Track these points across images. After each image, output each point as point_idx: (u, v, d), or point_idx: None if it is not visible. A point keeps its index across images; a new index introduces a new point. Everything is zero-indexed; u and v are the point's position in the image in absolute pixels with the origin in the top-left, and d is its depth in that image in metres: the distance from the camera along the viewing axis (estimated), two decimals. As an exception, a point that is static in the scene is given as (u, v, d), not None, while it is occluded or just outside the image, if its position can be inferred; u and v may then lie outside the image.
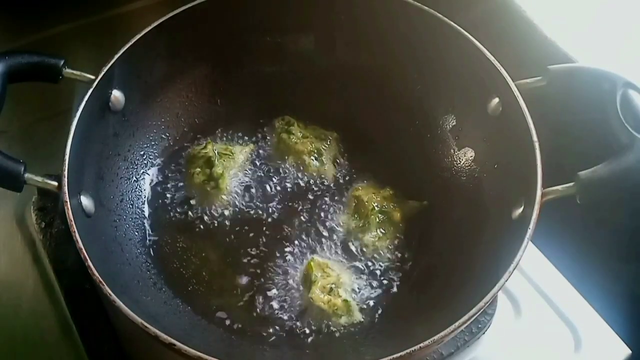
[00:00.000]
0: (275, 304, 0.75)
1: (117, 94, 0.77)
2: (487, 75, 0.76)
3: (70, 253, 0.67)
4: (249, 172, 0.86)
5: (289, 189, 0.85)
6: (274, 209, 0.83)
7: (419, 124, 0.87)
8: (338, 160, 0.87)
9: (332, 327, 0.74)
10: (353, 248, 0.80)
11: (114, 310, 0.61)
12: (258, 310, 0.75)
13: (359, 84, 0.89)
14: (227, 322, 0.74)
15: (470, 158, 0.83)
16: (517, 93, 0.72)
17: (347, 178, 0.86)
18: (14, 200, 0.87)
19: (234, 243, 0.80)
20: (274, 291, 0.76)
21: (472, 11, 0.90)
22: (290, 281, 0.77)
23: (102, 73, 0.73)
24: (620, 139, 0.67)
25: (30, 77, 0.72)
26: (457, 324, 0.60)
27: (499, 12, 0.96)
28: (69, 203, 0.65)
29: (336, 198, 0.84)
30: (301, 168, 0.86)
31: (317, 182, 0.85)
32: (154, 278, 0.76)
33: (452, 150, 0.85)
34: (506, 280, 0.62)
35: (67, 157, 0.67)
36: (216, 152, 0.84)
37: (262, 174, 0.86)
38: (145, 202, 0.82)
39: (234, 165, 0.85)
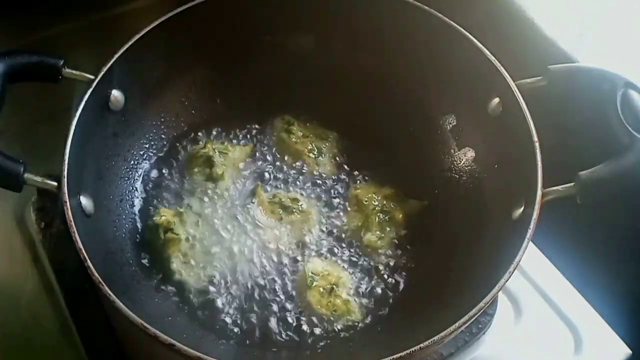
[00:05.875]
0: (275, 305, 0.75)
1: (116, 94, 0.77)
2: (487, 75, 0.76)
3: (70, 253, 0.67)
4: (249, 171, 0.85)
5: (289, 189, 0.85)
6: (274, 209, 0.83)
7: (419, 123, 0.87)
8: (338, 160, 0.87)
9: (332, 328, 0.74)
10: (353, 248, 0.80)
11: (113, 310, 0.61)
12: (259, 311, 0.75)
13: (359, 83, 0.89)
14: (228, 323, 0.74)
15: (471, 158, 0.83)
16: (517, 93, 0.72)
17: (347, 177, 0.86)
18: (14, 200, 0.87)
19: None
20: (274, 292, 0.76)
21: (473, 11, 0.90)
22: (290, 282, 0.77)
23: (102, 73, 0.73)
24: (621, 139, 0.67)
25: (30, 77, 0.72)
26: (457, 324, 0.60)
27: (500, 12, 0.96)
28: (68, 203, 0.65)
29: (336, 197, 0.84)
30: (301, 167, 0.86)
31: (317, 181, 0.85)
32: (154, 278, 0.76)
33: (452, 150, 0.85)
34: (506, 281, 0.62)
35: (66, 157, 0.67)
36: (216, 151, 0.83)
37: (262, 174, 0.85)
38: (145, 202, 0.82)
39: (233, 165, 0.84)
